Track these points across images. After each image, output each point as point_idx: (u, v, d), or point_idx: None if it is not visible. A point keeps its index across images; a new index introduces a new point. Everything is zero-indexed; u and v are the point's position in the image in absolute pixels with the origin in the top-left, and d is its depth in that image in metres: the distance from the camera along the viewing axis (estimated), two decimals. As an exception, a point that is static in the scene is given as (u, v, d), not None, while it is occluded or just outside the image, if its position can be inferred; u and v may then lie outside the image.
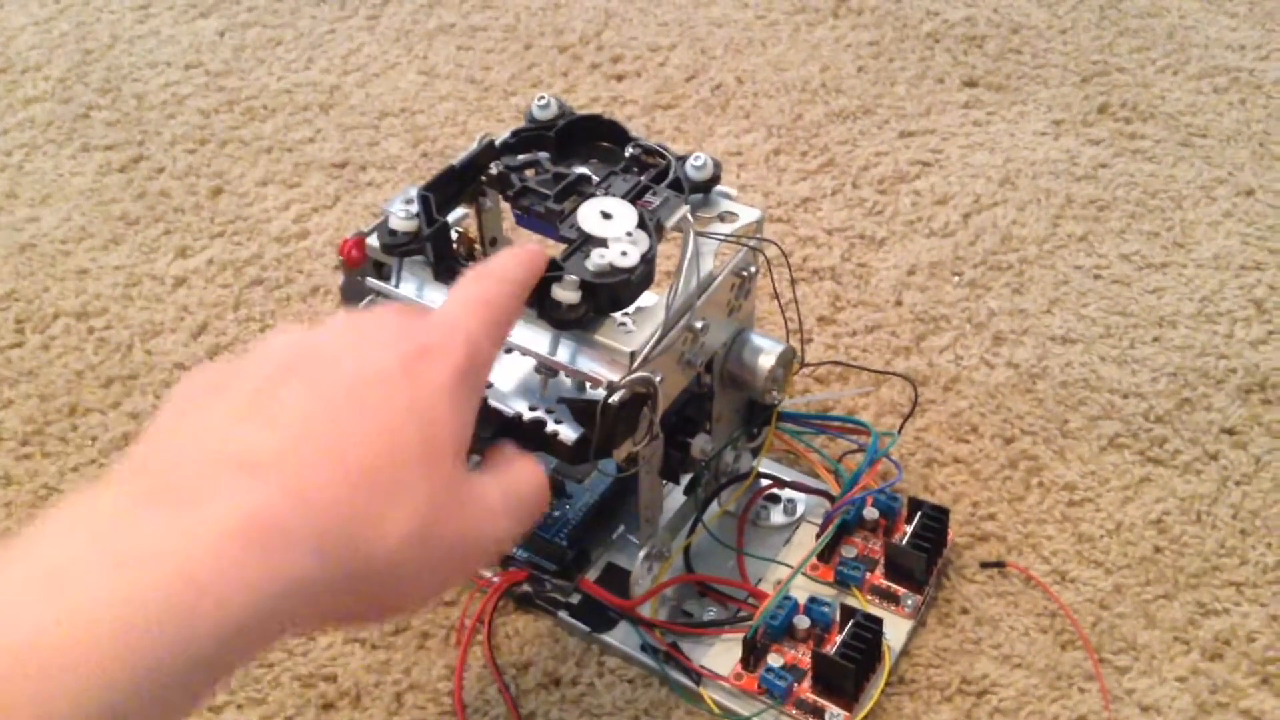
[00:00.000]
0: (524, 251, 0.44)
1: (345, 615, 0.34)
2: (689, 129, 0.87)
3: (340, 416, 0.34)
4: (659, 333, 0.48)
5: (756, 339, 0.54)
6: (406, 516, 0.33)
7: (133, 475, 0.32)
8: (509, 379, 0.52)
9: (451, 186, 0.52)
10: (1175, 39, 0.93)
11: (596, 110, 0.88)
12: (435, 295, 0.49)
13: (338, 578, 0.32)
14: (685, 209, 0.51)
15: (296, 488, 0.32)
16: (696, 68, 0.93)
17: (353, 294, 0.53)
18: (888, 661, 0.53)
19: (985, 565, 0.58)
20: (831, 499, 0.58)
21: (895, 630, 0.54)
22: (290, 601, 0.31)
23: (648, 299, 0.49)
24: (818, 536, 0.57)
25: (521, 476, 0.40)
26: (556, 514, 0.57)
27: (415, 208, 0.49)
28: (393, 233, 0.49)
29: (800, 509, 0.60)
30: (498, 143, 0.53)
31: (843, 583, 0.56)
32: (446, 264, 0.49)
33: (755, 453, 0.59)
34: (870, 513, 0.57)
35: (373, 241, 0.50)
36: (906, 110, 0.87)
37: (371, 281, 0.50)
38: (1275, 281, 0.72)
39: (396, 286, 0.50)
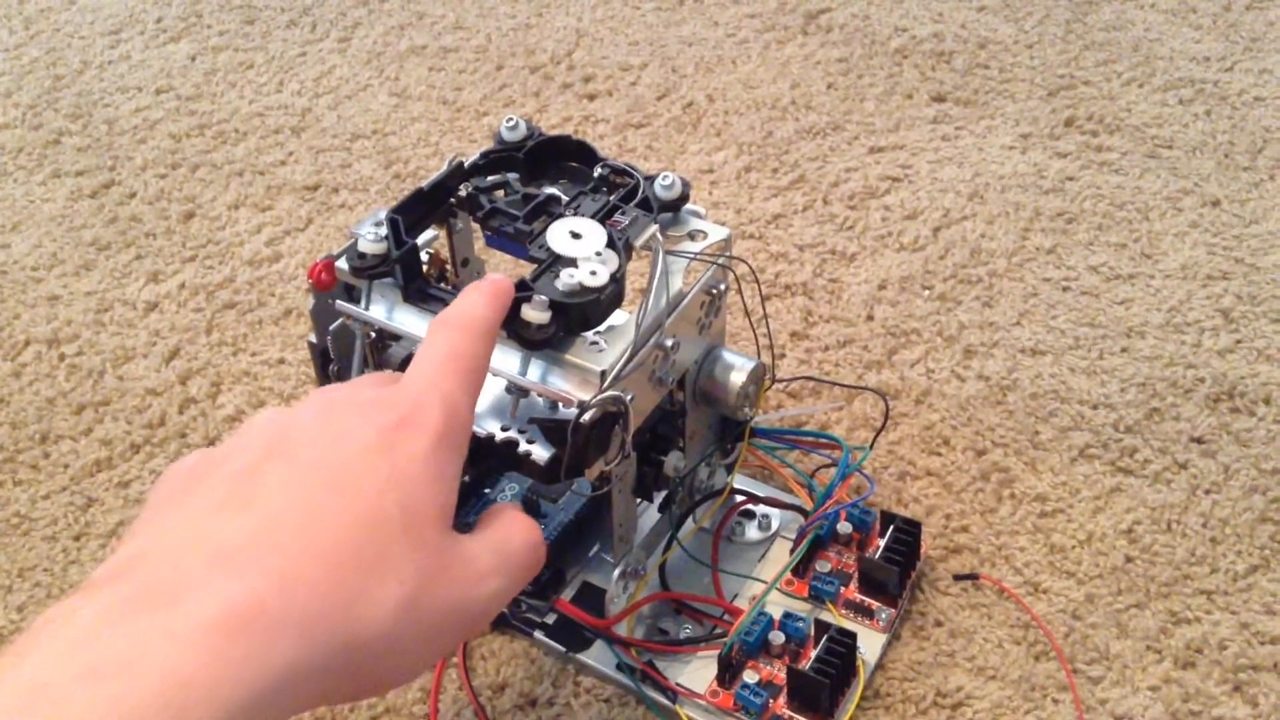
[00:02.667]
0: (487, 288, 0.43)
1: (342, 693, 0.34)
2: (661, 147, 0.87)
3: (320, 496, 0.34)
4: (629, 351, 0.48)
5: (728, 356, 0.54)
6: (393, 590, 0.33)
7: (113, 579, 0.32)
8: (481, 399, 0.52)
9: (420, 208, 0.52)
10: (1140, 52, 0.94)
11: (568, 130, 0.89)
12: (405, 317, 0.49)
13: (327, 660, 0.32)
14: (654, 228, 0.51)
15: (278, 573, 0.32)
16: (667, 86, 0.93)
17: (322, 318, 0.53)
18: (862, 676, 0.53)
19: (958, 578, 0.58)
20: (805, 514, 0.58)
21: (870, 644, 0.54)
22: (280, 689, 0.31)
23: (618, 318, 0.49)
24: (792, 552, 0.57)
25: (512, 533, 0.39)
26: (531, 534, 0.57)
27: (384, 230, 0.49)
28: (361, 255, 0.49)
29: (774, 524, 0.60)
30: (467, 164, 0.53)
31: (817, 597, 0.56)
32: (416, 286, 0.50)
33: (729, 469, 0.59)
34: (844, 527, 0.58)
35: (342, 264, 0.50)
36: (876, 126, 0.88)
37: (341, 305, 0.50)
38: (1241, 291, 0.73)
39: (366, 309, 0.50)
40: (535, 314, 0.46)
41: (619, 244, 0.49)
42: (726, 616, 0.55)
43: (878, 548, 0.56)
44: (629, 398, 0.47)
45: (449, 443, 0.37)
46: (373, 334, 0.53)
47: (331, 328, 0.53)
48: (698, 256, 0.52)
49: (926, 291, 0.74)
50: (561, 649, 0.55)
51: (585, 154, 0.54)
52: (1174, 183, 0.82)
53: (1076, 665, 0.54)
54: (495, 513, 0.40)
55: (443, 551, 0.35)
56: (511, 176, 0.53)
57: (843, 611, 0.56)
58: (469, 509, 0.58)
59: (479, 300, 0.42)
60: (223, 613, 0.30)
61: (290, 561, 0.32)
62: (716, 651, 0.53)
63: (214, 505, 0.34)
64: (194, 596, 0.31)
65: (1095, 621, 0.56)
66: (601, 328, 0.48)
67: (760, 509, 0.60)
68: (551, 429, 0.49)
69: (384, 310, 0.50)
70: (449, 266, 0.56)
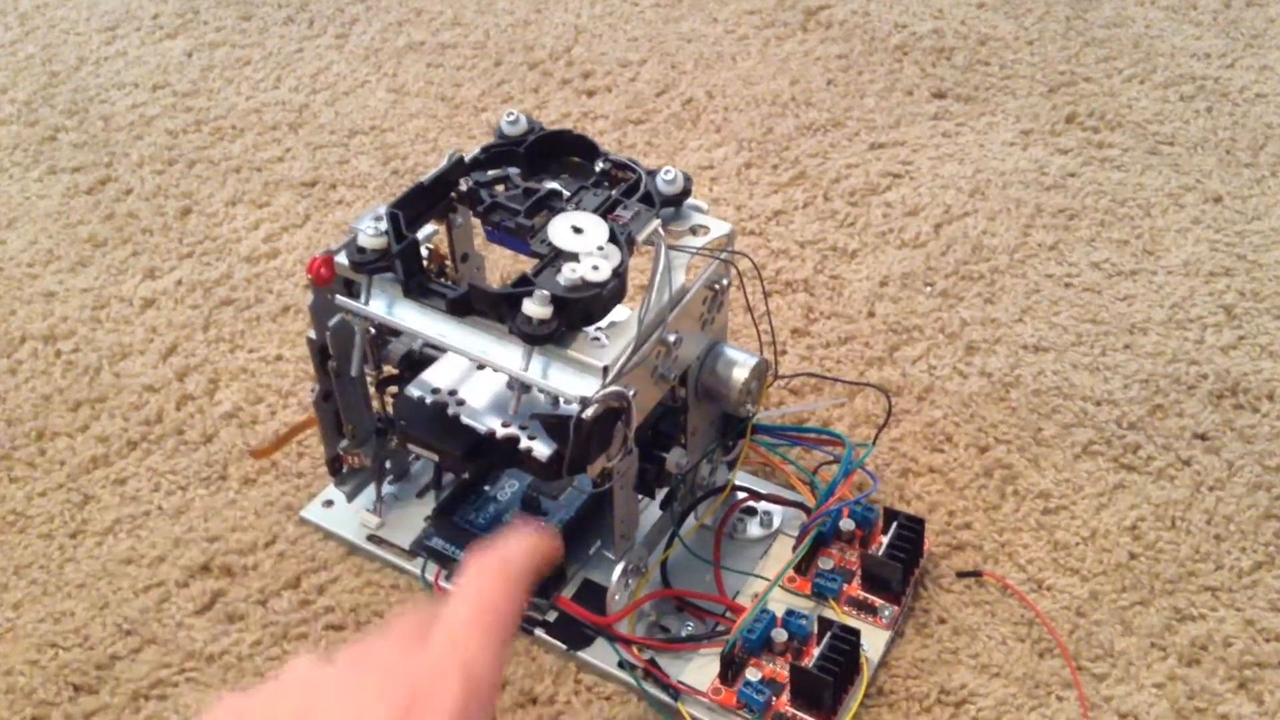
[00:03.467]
0: (535, 538, 0.42)
1: None
2: (660, 143, 0.87)
3: None
4: (632, 347, 0.47)
5: (730, 352, 0.54)
6: None
7: None
8: (482, 395, 0.51)
9: (420, 203, 0.51)
10: (1141, 48, 0.94)
11: (567, 126, 0.89)
12: (405, 313, 0.49)
13: None
14: (656, 222, 0.51)
15: None
16: (667, 82, 0.93)
17: (321, 313, 0.52)
18: (866, 673, 0.52)
19: (962, 575, 0.58)
20: (808, 511, 0.58)
21: (873, 641, 0.54)
22: None
23: (620, 313, 0.49)
24: (794, 549, 0.57)
25: None
26: (532, 531, 0.56)
27: (384, 225, 0.49)
28: (361, 250, 0.49)
29: (777, 521, 0.59)
30: (467, 159, 0.53)
31: (820, 595, 0.56)
32: (417, 281, 0.49)
33: (730, 466, 0.59)
34: (846, 524, 0.57)
35: (341, 259, 0.50)
36: (876, 122, 0.88)
37: (341, 300, 0.50)
38: (1244, 287, 0.73)
39: (366, 304, 0.49)
40: (537, 309, 0.45)
41: (621, 238, 0.49)
42: (729, 614, 0.55)
43: (881, 545, 0.56)
44: (631, 393, 0.47)
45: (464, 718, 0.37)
46: (372, 329, 0.52)
47: (331, 323, 0.53)
48: (700, 251, 0.51)
49: (928, 288, 0.74)
50: (562, 646, 0.55)
51: (586, 149, 0.54)
52: (1176, 179, 0.81)
53: (1081, 662, 0.54)
54: None
55: None
56: (512, 171, 0.53)
57: (846, 609, 0.55)
58: (470, 506, 0.57)
59: (522, 548, 0.41)
60: None
61: None
62: (719, 649, 0.52)
63: None
64: None
65: (1099, 618, 0.56)
66: (603, 323, 0.48)
67: (762, 506, 0.60)
68: (553, 425, 0.48)
69: (384, 305, 0.49)
70: (449, 262, 0.56)
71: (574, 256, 0.47)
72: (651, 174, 0.52)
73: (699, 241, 0.52)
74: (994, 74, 0.92)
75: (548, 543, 0.42)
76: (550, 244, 0.48)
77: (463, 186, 0.52)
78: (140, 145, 0.88)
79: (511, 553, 0.40)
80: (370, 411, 0.57)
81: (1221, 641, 0.54)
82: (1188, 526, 0.59)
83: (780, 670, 0.52)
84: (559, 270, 0.47)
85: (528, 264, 0.49)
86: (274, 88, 0.94)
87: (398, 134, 0.89)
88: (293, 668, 0.39)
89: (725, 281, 0.53)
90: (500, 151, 0.54)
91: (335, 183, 0.84)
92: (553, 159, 0.54)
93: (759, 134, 0.87)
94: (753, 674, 0.52)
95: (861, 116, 0.88)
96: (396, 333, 0.53)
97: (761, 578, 0.57)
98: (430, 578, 0.57)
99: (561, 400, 0.49)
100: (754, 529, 0.59)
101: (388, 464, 0.59)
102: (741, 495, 0.59)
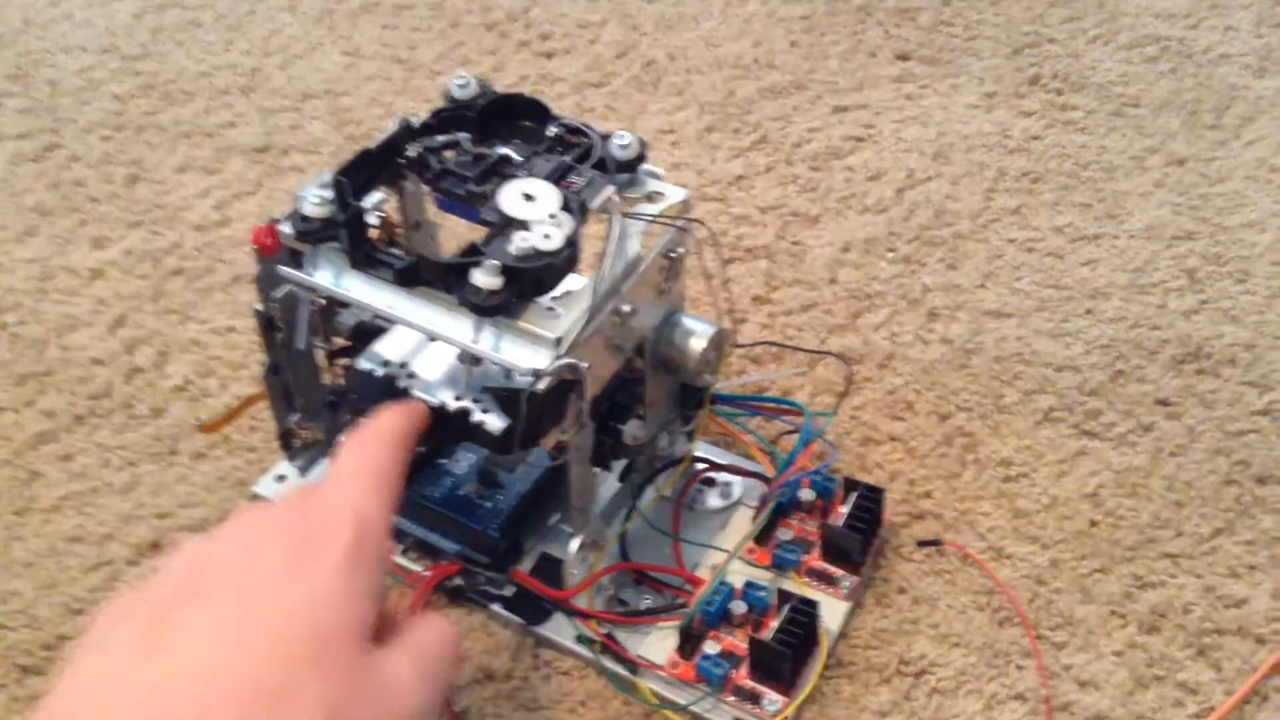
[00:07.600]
0: (400, 405, 0.44)
1: None
2: (620, 107, 0.86)
3: (227, 636, 0.34)
4: (585, 317, 0.46)
5: (687, 321, 0.53)
6: None
7: None
8: (433, 368, 0.50)
9: (367, 170, 0.50)
10: (1105, 9, 0.93)
11: (526, 89, 0.87)
12: (352, 283, 0.48)
13: None
14: (610, 189, 0.49)
15: None
16: (627, 44, 0.91)
17: (268, 284, 0.51)
18: (825, 645, 0.52)
19: (922, 544, 0.57)
20: (767, 481, 0.57)
21: (832, 613, 0.53)
22: None
23: (574, 283, 0.48)
24: (754, 520, 0.56)
25: (430, 638, 0.39)
26: (488, 505, 0.55)
27: (329, 193, 0.47)
28: (306, 219, 0.47)
29: (736, 492, 0.59)
30: (416, 124, 0.52)
31: (779, 566, 0.55)
32: (364, 251, 0.48)
33: (689, 436, 0.58)
34: (806, 494, 0.57)
35: (286, 229, 0.48)
36: (839, 85, 0.87)
37: (285, 270, 0.49)
38: (1207, 251, 0.72)
39: (311, 275, 0.48)
40: (486, 279, 0.44)
41: (574, 206, 0.47)
42: (687, 586, 0.55)
43: (840, 515, 0.55)
44: (585, 365, 0.46)
45: (361, 555, 0.37)
46: (321, 301, 0.51)
47: (278, 294, 0.51)
48: (656, 219, 0.50)
49: (890, 254, 0.73)
50: (520, 621, 0.54)
51: (539, 112, 0.53)
52: (1139, 141, 0.81)
53: (1041, 631, 0.54)
54: (409, 621, 0.40)
55: (356, 675, 0.35)
56: (463, 136, 0.51)
57: (805, 580, 0.55)
58: (423, 479, 0.56)
59: (391, 414, 0.44)
60: None
61: (195, 710, 0.33)
62: (677, 622, 0.52)
63: (127, 654, 0.35)
64: None
65: (1059, 586, 0.55)
66: (556, 293, 0.47)
67: (722, 477, 0.59)
68: (505, 398, 0.47)
69: (330, 276, 0.48)
70: (400, 231, 0.55)
71: (524, 225, 0.46)
72: (605, 138, 0.51)
73: (655, 208, 0.50)
74: (958, 35, 0.91)
75: (417, 410, 0.45)
76: (500, 212, 0.47)
77: (411, 152, 0.51)
78: (87, 110, 0.86)
79: (385, 420, 0.43)
80: (321, 384, 0.56)
81: (1181, 608, 0.54)
82: (1148, 493, 0.59)
83: (739, 643, 0.52)
84: (509, 239, 0.45)
85: (479, 232, 0.47)
86: (225, 50, 0.92)
87: (352, 98, 0.87)
88: (176, 550, 0.39)
89: (682, 249, 0.52)
90: (450, 116, 0.52)
91: (288, 148, 0.82)
92: (504, 123, 0.53)
93: (721, 97, 0.86)
94: (711, 647, 0.51)
95: (824, 79, 0.87)
96: (346, 304, 0.52)
97: (721, 549, 0.56)
98: (385, 553, 0.56)
99: (515, 373, 0.48)
100: (713, 500, 0.59)
101: (341, 438, 0.58)
102: (701, 466, 0.59)
